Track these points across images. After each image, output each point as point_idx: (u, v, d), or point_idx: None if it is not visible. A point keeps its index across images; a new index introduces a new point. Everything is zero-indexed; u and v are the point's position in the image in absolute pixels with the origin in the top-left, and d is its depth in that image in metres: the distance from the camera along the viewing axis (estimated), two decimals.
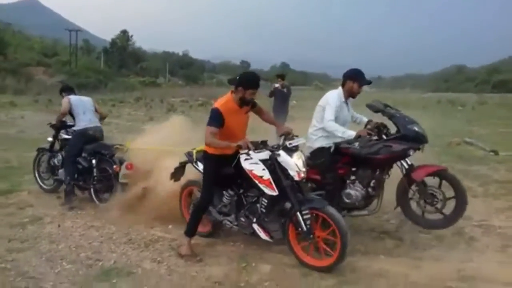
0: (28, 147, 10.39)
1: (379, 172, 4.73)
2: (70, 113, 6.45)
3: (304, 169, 4.03)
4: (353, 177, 4.78)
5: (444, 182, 4.64)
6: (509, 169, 8.50)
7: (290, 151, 4.08)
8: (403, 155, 4.55)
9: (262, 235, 4.25)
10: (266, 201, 4.21)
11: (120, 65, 68.94)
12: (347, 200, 4.72)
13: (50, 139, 6.84)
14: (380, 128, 4.76)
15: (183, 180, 5.08)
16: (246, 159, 4.16)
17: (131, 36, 77.55)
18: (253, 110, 4.54)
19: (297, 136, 4.42)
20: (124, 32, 76.87)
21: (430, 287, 3.79)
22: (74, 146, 6.34)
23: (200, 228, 4.75)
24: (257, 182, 4.11)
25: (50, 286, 3.84)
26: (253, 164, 4.12)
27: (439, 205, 4.58)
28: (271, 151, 4.10)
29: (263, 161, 4.09)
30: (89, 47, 77.03)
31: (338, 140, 4.80)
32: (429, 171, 4.58)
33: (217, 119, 4.14)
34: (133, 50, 77.74)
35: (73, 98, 6.51)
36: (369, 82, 4.99)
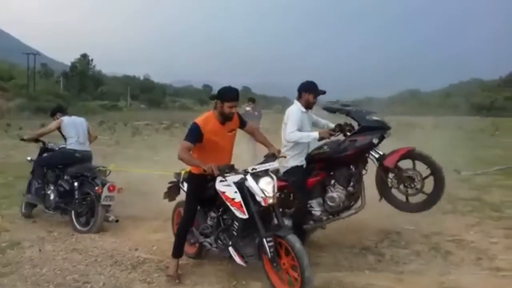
0: None
1: (354, 168, 4.84)
2: (61, 133, 6.40)
3: (271, 195, 3.94)
4: (332, 181, 4.89)
5: (417, 162, 4.74)
6: (471, 187, 8.94)
7: (257, 176, 4.02)
8: (370, 145, 4.68)
9: (237, 259, 4.15)
10: (237, 223, 4.14)
11: (80, 89, 67.76)
12: (332, 204, 4.80)
13: (29, 158, 6.78)
14: (342, 126, 4.92)
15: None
16: (220, 181, 4.11)
17: (91, 60, 76.70)
18: (244, 129, 4.60)
19: (284, 157, 4.52)
20: (84, 56, 76.00)
21: None
22: (54, 159, 6.34)
23: (188, 250, 4.79)
24: (229, 204, 4.07)
25: None
26: (226, 186, 4.08)
27: (418, 186, 4.67)
28: (242, 175, 4.06)
29: (236, 184, 4.05)
30: (47, 71, 75.40)
31: (304, 154, 4.97)
32: (399, 155, 4.66)
33: (194, 134, 4.11)
34: (93, 74, 76.64)
35: (65, 119, 6.41)
36: (323, 92, 5.07)
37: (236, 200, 4.00)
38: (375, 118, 4.73)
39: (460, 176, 10.16)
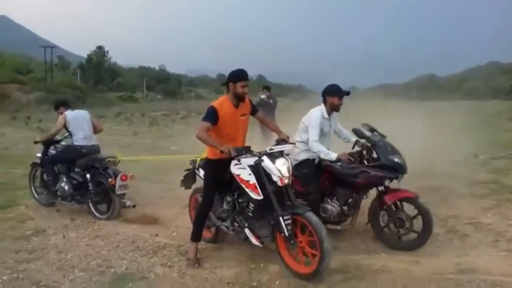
0: (14, 163, 10.44)
1: (356, 193, 4.97)
2: (67, 128, 6.49)
3: (287, 175, 4.07)
4: (332, 194, 5.04)
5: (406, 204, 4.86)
6: (489, 171, 8.88)
7: (274, 157, 4.14)
8: (379, 182, 4.79)
9: (253, 240, 4.29)
10: (253, 205, 4.28)
11: (97, 81, 68.32)
12: (323, 214, 4.94)
13: (39, 155, 6.90)
14: (362, 153, 5.02)
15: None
16: (235, 164, 4.26)
17: (107, 51, 77.13)
18: (255, 116, 4.72)
19: (293, 143, 4.63)
20: (100, 48, 76.33)
21: (432, 280, 4.00)
22: (63, 155, 6.45)
23: (205, 234, 4.89)
24: (244, 186, 4.19)
25: None
26: (241, 169, 4.22)
27: (408, 225, 4.75)
28: (257, 156, 4.19)
29: (251, 167, 4.17)
30: (64, 64, 76.22)
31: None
32: (400, 196, 4.78)
33: (211, 115, 4.26)
34: (109, 66, 77.16)
35: (69, 114, 6.48)
36: (347, 93, 5.14)
37: (251, 182, 4.13)
38: (396, 160, 4.76)
39: (477, 160, 10.10)
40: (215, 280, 4.15)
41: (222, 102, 4.38)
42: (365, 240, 5.06)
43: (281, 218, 3.99)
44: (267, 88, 11.63)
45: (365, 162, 4.95)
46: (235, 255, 4.71)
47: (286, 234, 3.97)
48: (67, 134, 6.67)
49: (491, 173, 8.66)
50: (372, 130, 5.06)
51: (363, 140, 5.09)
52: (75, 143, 6.38)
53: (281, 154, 4.21)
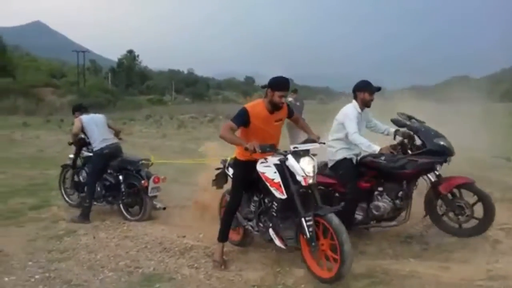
0: (49, 165, 10.75)
1: (406, 184, 4.84)
2: (84, 132, 6.58)
3: (312, 175, 3.98)
4: (380, 189, 4.90)
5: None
6: None
7: (299, 155, 4.04)
8: (430, 169, 4.66)
9: (277, 241, 4.23)
10: (276, 204, 4.21)
11: (127, 84, 69.63)
12: (376, 212, 4.84)
13: (71, 156, 7.01)
14: (404, 143, 4.89)
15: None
16: (261, 163, 4.23)
17: (137, 55, 78.51)
18: (292, 119, 4.66)
19: (323, 143, 4.52)
20: (131, 52, 77.75)
21: (461, 287, 3.92)
22: (95, 167, 6.48)
23: (233, 237, 4.94)
24: (268, 185, 4.13)
25: None
26: (266, 167, 4.18)
27: (469, 212, 4.67)
28: (283, 155, 4.13)
29: (276, 166, 4.12)
30: (96, 67, 78.04)
31: (358, 151, 5.00)
32: (456, 183, 4.66)
33: (240, 117, 4.19)
34: (139, 69, 78.52)
35: (84, 118, 6.55)
36: (378, 89, 5.07)
37: (276, 181, 4.07)
38: (442, 142, 4.68)
39: (510, 164, 9.82)
40: (240, 282, 4.17)
41: (256, 105, 4.30)
42: (393, 245, 4.99)
43: (303, 219, 3.92)
44: (294, 90, 11.63)
45: (409, 152, 4.83)
46: (261, 258, 4.72)
47: (308, 235, 3.89)
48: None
49: None
50: (410, 118, 4.97)
51: (403, 129, 4.99)
52: (96, 149, 6.41)
53: (307, 153, 4.11)
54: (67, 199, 7.14)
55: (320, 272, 4.02)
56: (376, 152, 4.68)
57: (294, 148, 4.13)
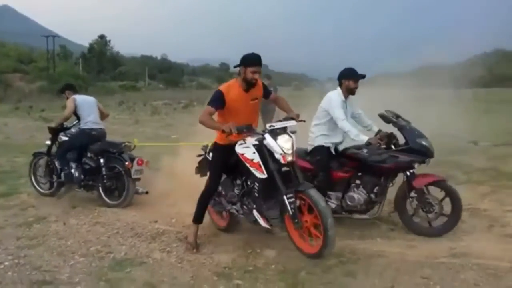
0: (17, 153, 10.55)
1: (383, 179, 4.96)
2: (75, 113, 6.49)
3: (290, 152, 4.00)
4: (358, 181, 5.00)
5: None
6: (489, 158, 8.91)
7: (275, 134, 4.06)
8: (408, 166, 4.79)
9: (262, 222, 4.25)
10: (258, 185, 4.22)
11: (99, 70, 68.28)
12: (349, 203, 4.94)
13: (48, 142, 6.83)
14: (390, 138, 4.97)
15: None
16: (240, 144, 4.24)
17: (109, 40, 76.88)
18: (269, 98, 4.61)
19: (303, 120, 4.47)
20: (102, 37, 76.04)
21: (425, 264, 4.06)
22: (73, 143, 6.41)
23: (219, 223, 5.02)
24: (248, 165, 4.15)
25: (66, 277, 4.00)
26: (245, 148, 4.19)
27: (437, 209, 4.78)
28: (260, 134, 4.16)
29: (255, 146, 4.14)
30: (66, 53, 76.04)
31: (338, 140, 5.11)
32: (429, 180, 4.81)
33: (216, 99, 4.19)
34: (111, 55, 76.97)
35: (78, 98, 6.49)
36: (363, 76, 5.11)
37: (255, 161, 4.09)
38: (424, 143, 4.78)
39: (478, 147, 10.13)
40: (212, 264, 4.22)
41: (230, 86, 4.31)
42: (360, 226, 5.11)
43: (284, 196, 3.97)
44: (267, 76, 11.66)
45: (392, 147, 4.92)
46: (232, 240, 4.78)
47: (290, 212, 3.96)
48: (76, 121, 6.67)
49: (490, 160, 8.69)
50: (396, 116, 5.06)
51: (384, 132, 5.04)
52: (85, 127, 6.35)
53: (284, 130, 4.13)
54: (37, 187, 6.96)
55: (303, 245, 4.14)
56: (364, 142, 4.77)
57: (270, 126, 4.13)
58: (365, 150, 4.89)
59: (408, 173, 4.82)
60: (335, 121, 4.93)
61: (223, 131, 4.03)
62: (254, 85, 4.28)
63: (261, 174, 4.07)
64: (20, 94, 39.39)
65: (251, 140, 4.19)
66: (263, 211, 4.26)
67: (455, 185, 5.09)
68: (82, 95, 6.70)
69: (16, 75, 49.21)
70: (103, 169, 6.24)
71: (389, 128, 5.10)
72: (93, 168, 6.32)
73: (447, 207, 4.76)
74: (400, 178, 4.99)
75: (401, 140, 4.95)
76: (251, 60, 4.19)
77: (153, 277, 3.99)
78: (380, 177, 4.93)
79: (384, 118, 5.04)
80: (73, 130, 6.67)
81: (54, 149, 6.77)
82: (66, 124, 6.75)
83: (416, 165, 4.78)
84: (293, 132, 4.20)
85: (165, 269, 4.15)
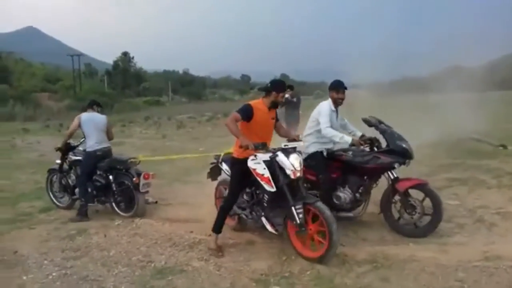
0: None
1: (367, 179, 5.30)
2: (82, 130, 6.72)
3: (299, 169, 4.51)
4: (343, 182, 5.35)
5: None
6: None
7: (287, 152, 4.57)
8: (389, 167, 5.11)
9: (269, 227, 4.79)
10: (267, 196, 4.75)
11: (123, 86, 69.69)
12: (336, 201, 5.29)
13: (58, 161, 7.18)
14: (372, 141, 5.30)
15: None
16: (252, 160, 4.69)
17: (132, 57, 78.43)
18: (276, 123, 5.06)
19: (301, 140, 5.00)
20: (126, 53, 77.62)
21: (459, 267, 4.13)
22: (86, 167, 6.68)
23: (228, 222, 5.37)
24: (259, 179, 4.63)
25: (111, 286, 4.22)
26: (257, 163, 4.65)
27: (420, 210, 5.03)
28: (272, 152, 4.59)
29: (266, 162, 4.59)
30: (91, 71, 78.00)
31: (330, 145, 5.44)
32: (411, 184, 5.06)
33: (246, 111, 4.68)
34: (135, 71, 78.47)
35: (83, 116, 6.71)
36: (344, 88, 5.40)
37: (265, 176, 4.57)
38: (404, 145, 5.10)
39: (506, 151, 10.03)
40: (249, 271, 4.37)
41: (258, 103, 4.81)
42: (392, 232, 5.21)
43: (293, 207, 4.45)
44: (290, 87, 11.81)
45: (375, 149, 5.25)
46: (267, 248, 4.95)
47: (298, 221, 4.42)
48: (83, 139, 6.91)
49: None
50: (379, 122, 5.39)
51: (367, 137, 5.38)
52: (89, 149, 6.61)
53: (294, 150, 4.66)
54: (56, 201, 7.30)
55: (304, 251, 4.57)
56: (349, 142, 5.16)
57: (284, 145, 4.65)
58: (350, 152, 5.28)
59: (392, 177, 5.12)
60: (320, 127, 5.28)
61: (240, 146, 4.43)
62: (277, 107, 4.91)
63: (270, 188, 4.58)
64: (49, 112, 40.47)
65: (263, 157, 4.62)
66: (270, 218, 4.83)
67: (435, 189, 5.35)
68: (91, 113, 6.84)
69: (44, 94, 50.61)
70: (113, 185, 6.56)
71: (373, 133, 5.44)
72: (103, 185, 6.65)
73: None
74: (384, 181, 5.29)
75: (384, 145, 5.28)
76: (282, 87, 4.84)
77: (194, 284, 4.18)
78: (364, 177, 5.28)
79: (368, 122, 5.40)
80: (80, 148, 6.93)
81: (65, 166, 7.12)
82: (73, 142, 7.03)
83: (396, 165, 5.08)
84: (299, 152, 4.75)
85: (204, 276, 4.32)
